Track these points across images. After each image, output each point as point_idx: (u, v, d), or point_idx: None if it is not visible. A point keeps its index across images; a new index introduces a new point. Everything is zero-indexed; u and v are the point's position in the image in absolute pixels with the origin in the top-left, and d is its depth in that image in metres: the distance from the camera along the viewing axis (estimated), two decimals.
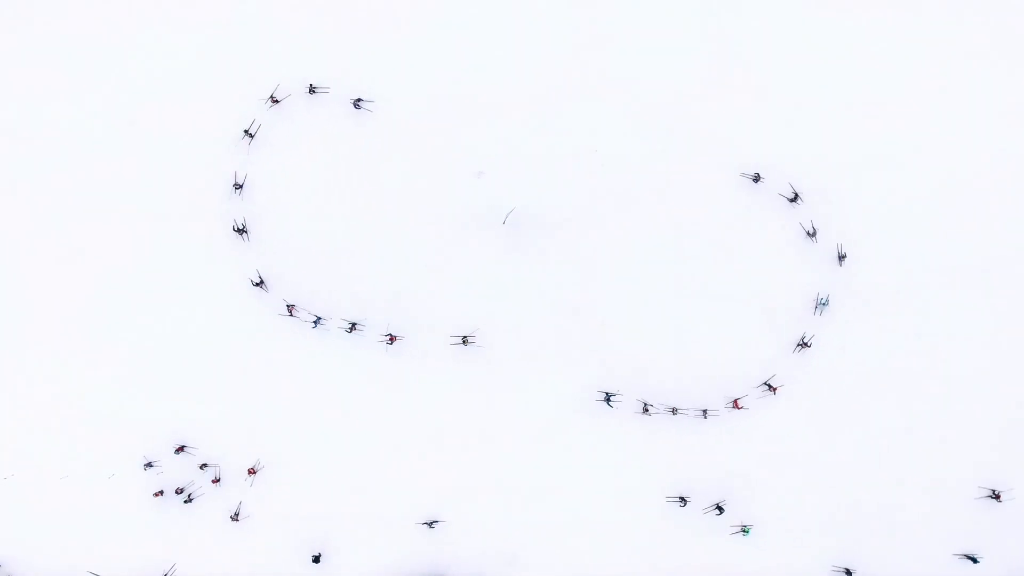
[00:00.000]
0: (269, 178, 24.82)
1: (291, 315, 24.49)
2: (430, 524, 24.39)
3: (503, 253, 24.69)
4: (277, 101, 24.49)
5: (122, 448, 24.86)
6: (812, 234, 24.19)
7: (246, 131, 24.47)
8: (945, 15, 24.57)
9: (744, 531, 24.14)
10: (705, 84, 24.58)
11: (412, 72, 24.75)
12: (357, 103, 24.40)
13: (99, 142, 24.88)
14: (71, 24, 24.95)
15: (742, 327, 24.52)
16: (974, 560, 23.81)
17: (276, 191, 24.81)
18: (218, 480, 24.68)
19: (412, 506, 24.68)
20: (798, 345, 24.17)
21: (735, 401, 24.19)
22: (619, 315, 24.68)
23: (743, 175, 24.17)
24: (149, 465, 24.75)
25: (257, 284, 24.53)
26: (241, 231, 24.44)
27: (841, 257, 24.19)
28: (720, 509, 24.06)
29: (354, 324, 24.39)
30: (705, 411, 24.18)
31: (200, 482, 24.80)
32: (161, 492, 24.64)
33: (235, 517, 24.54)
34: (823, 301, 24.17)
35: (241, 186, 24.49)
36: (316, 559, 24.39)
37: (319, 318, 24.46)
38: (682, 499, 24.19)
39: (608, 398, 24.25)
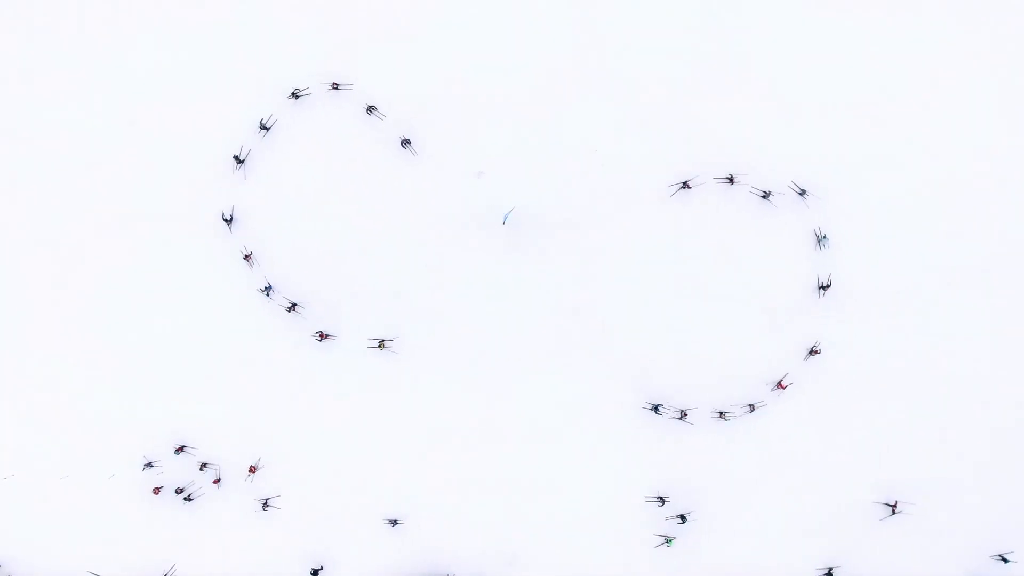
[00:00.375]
0: (269, 178, 24.81)
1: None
2: (392, 523, 24.42)
3: (503, 253, 24.69)
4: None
5: (122, 448, 24.87)
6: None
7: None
8: (945, 15, 24.55)
9: (667, 542, 24.14)
10: (705, 84, 24.57)
11: (412, 72, 24.74)
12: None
13: (100, 143, 24.87)
14: (71, 24, 24.96)
15: (742, 327, 24.52)
16: (1005, 560, 23.85)
17: (275, 191, 24.80)
18: (218, 480, 24.69)
19: (412, 506, 24.70)
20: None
21: (779, 383, 24.12)
22: (619, 315, 24.68)
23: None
24: (149, 465, 24.75)
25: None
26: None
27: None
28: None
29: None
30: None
31: (200, 482, 24.81)
32: (160, 488, 24.64)
33: (265, 506, 24.53)
34: (823, 236, 24.09)
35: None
36: (315, 573, 24.41)
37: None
38: (660, 499, 24.21)
39: (656, 408, 24.24)
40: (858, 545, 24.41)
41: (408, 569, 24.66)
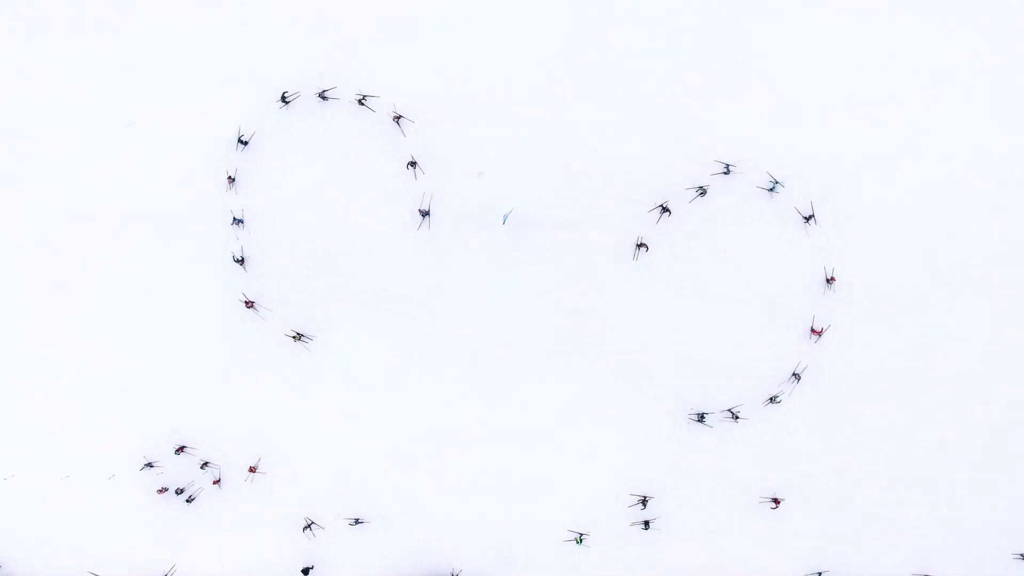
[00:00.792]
0: (268, 178, 24.78)
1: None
2: (355, 522, 24.44)
3: (503, 253, 24.69)
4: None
5: (122, 448, 24.88)
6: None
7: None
8: (946, 15, 24.52)
9: (578, 540, 24.14)
10: (705, 84, 24.55)
11: (412, 72, 24.71)
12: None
13: (99, 143, 24.82)
14: (71, 24, 24.90)
15: (742, 327, 24.53)
16: None
17: (274, 190, 24.78)
18: (219, 481, 24.70)
19: (413, 506, 24.72)
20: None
21: (816, 330, 24.11)
22: (619, 315, 24.69)
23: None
24: (149, 465, 24.76)
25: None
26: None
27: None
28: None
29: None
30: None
31: (200, 482, 24.82)
32: (165, 489, 24.68)
33: (252, 469, 24.59)
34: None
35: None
36: (306, 572, 24.42)
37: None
38: (643, 500, 24.22)
39: (702, 417, 24.26)
40: (858, 545, 24.47)
41: (408, 569, 24.69)
